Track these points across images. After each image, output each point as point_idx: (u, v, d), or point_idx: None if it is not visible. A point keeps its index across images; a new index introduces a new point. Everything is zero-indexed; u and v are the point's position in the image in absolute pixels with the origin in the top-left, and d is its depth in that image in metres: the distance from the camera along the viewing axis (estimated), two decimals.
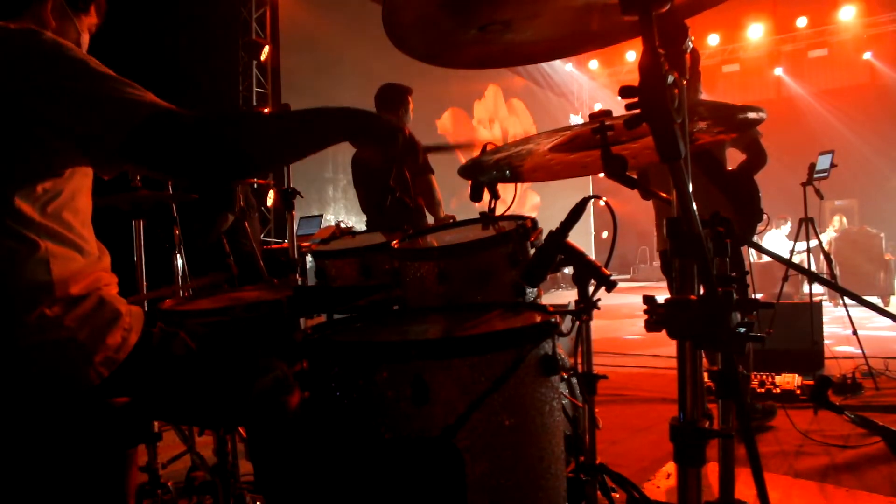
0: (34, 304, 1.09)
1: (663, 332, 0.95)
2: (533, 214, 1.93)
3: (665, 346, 5.19)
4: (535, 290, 1.79)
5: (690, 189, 0.92)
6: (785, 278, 4.20)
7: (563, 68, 15.68)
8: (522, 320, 1.38)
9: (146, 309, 1.61)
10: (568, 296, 11.11)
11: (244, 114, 1.17)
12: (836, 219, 10.16)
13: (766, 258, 9.04)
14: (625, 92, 0.90)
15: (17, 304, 1.08)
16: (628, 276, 15.53)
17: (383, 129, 1.27)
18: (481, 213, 1.85)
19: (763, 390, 3.55)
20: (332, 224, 7.07)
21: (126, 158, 1.13)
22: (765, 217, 3.18)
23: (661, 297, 0.97)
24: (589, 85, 16.56)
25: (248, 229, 3.89)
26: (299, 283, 2.67)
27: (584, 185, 14.32)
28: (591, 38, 1.23)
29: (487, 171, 1.67)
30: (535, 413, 1.21)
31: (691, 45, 1.01)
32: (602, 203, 1.56)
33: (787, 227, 9.86)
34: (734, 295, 0.91)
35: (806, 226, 4.34)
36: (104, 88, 1.08)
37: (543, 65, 14.15)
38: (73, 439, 1.12)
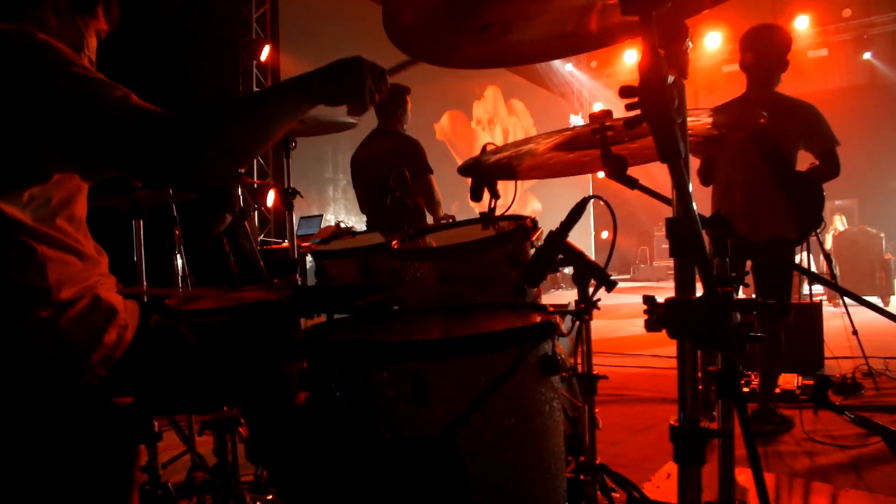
0: (29, 307, 1.09)
1: (663, 332, 0.95)
2: None
3: (665, 346, 5.19)
4: (535, 290, 1.79)
5: (690, 189, 0.92)
6: None
7: (563, 68, 15.67)
8: (522, 320, 1.38)
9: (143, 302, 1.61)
10: (568, 296, 11.11)
11: (223, 109, 1.15)
12: (836, 218, 10.15)
13: None
14: (625, 92, 0.90)
15: (12, 308, 1.08)
16: (628, 276, 15.52)
17: (342, 71, 1.24)
18: (481, 213, 1.85)
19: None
20: (332, 224, 7.07)
21: (109, 162, 1.11)
22: (823, 223, 3.15)
23: (662, 297, 0.97)
24: (589, 85, 16.55)
25: (248, 229, 3.89)
26: (299, 283, 2.67)
27: (583, 185, 14.33)
28: (591, 39, 1.23)
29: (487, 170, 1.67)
30: (535, 413, 1.21)
31: (691, 45, 1.01)
32: (602, 203, 1.56)
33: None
34: (733, 295, 0.91)
35: None
36: (89, 90, 1.07)
37: (543, 65, 14.14)
38: (74, 440, 1.12)
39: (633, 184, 1.21)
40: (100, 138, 1.07)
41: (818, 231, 3.25)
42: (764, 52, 3.06)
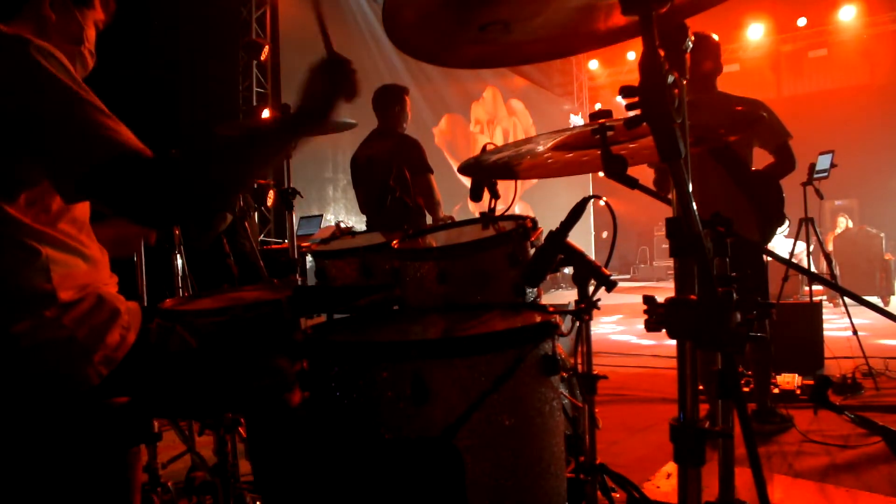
0: (34, 308, 1.09)
1: (663, 331, 0.95)
2: None
3: (665, 346, 5.19)
4: (535, 290, 1.79)
5: (690, 189, 0.92)
6: (785, 278, 4.19)
7: (564, 68, 15.66)
8: (522, 320, 1.38)
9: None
10: (568, 296, 11.10)
11: (206, 152, 1.15)
12: (841, 219, 10.14)
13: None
14: (625, 92, 0.90)
15: (16, 308, 1.08)
16: (628, 276, 15.52)
17: (319, 101, 1.22)
18: (481, 213, 1.85)
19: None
20: (332, 224, 7.06)
21: (84, 193, 1.10)
22: (786, 222, 3.12)
23: (662, 297, 0.97)
24: (589, 85, 16.55)
25: (248, 229, 3.89)
26: (299, 283, 2.67)
27: (583, 185, 14.32)
28: (591, 38, 1.23)
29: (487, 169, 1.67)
30: (535, 413, 1.21)
31: (691, 45, 1.01)
32: (602, 203, 1.56)
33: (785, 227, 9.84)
34: (734, 295, 0.91)
35: (806, 226, 4.34)
36: (78, 118, 1.05)
37: (543, 65, 14.15)
38: (74, 440, 1.12)
39: (633, 184, 1.21)
40: (78, 168, 1.04)
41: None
42: (698, 59, 3.06)
